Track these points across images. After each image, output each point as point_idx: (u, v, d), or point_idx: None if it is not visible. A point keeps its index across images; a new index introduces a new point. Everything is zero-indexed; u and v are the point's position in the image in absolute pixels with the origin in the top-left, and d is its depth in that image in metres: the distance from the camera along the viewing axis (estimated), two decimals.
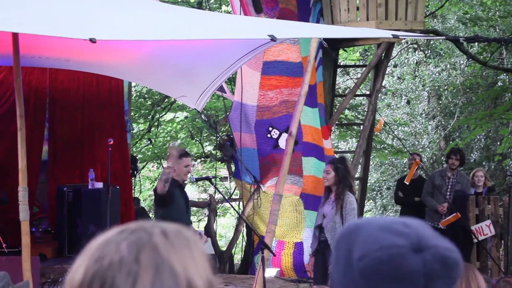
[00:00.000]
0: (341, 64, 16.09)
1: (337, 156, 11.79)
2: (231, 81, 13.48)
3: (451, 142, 17.82)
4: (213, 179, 8.59)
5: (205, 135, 17.04)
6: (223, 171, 19.03)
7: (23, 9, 6.16)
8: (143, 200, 17.25)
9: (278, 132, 11.03)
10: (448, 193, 11.01)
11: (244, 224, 11.46)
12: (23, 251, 6.57)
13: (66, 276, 1.19)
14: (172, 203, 7.45)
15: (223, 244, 16.95)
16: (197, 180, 7.85)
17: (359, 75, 15.52)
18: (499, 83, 18.37)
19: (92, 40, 5.31)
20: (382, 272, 1.26)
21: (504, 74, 17.92)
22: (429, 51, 20.79)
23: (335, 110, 12.69)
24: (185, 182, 8.03)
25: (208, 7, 15.63)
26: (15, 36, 6.63)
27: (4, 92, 10.58)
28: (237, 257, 14.09)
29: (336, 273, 1.34)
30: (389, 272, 1.25)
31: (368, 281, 1.27)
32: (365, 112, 13.74)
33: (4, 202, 9.88)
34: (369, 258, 1.26)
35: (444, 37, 13.32)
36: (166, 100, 16.05)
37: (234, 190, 16.15)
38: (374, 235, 1.29)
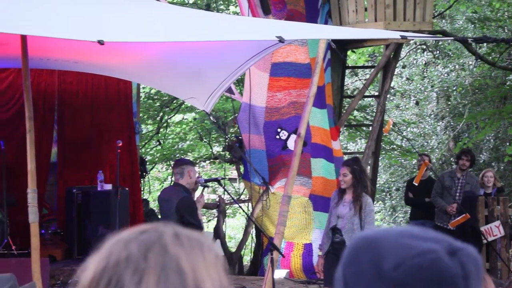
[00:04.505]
0: (350, 65, 16.06)
1: (346, 157, 11.79)
2: (240, 82, 13.48)
3: (460, 142, 17.76)
4: (222, 181, 8.58)
5: (214, 136, 17.05)
6: (232, 172, 19.03)
7: (31, 11, 6.18)
8: (152, 201, 17.25)
9: (286, 134, 11.02)
10: (457, 194, 10.99)
11: (253, 226, 11.45)
12: (33, 253, 6.57)
13: (78, 275, 1.19)
14: None
15: (232, 245, 16.93)
16: (206, 181, 7.83)
17: (367, 76, 15.49)
18: (508, 83, 18.31)
19: (100, 42, 5.32)
20: (423, 278, 1.23)
21: None
22: (438, 51, 20.73)
23: (344, 111, 12.67)
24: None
25: (216, 8, 15.65)
26: (23, 38, 6.64)
27: (13, 94, 10.63)
28: (247, 259, 14.08)
29: None
30: (430, 278, 1.23)
31: None
32: (374, 113, 13.71)
33: (13, 204, 9.91)
34: (406, 266, 1.23)
35: (452, 38, 13.26)
36: (175, 101, 16.07)
37: (243, 191, 16.15)
38: (404, 243, 1.26)
